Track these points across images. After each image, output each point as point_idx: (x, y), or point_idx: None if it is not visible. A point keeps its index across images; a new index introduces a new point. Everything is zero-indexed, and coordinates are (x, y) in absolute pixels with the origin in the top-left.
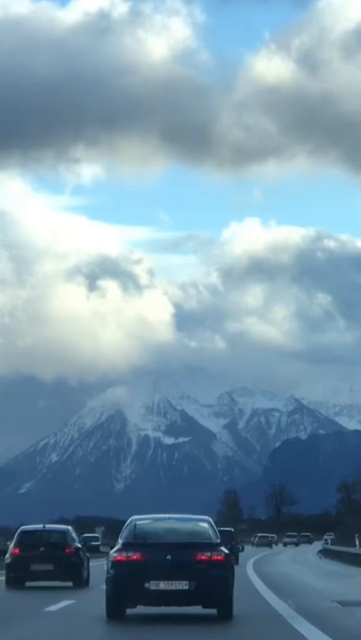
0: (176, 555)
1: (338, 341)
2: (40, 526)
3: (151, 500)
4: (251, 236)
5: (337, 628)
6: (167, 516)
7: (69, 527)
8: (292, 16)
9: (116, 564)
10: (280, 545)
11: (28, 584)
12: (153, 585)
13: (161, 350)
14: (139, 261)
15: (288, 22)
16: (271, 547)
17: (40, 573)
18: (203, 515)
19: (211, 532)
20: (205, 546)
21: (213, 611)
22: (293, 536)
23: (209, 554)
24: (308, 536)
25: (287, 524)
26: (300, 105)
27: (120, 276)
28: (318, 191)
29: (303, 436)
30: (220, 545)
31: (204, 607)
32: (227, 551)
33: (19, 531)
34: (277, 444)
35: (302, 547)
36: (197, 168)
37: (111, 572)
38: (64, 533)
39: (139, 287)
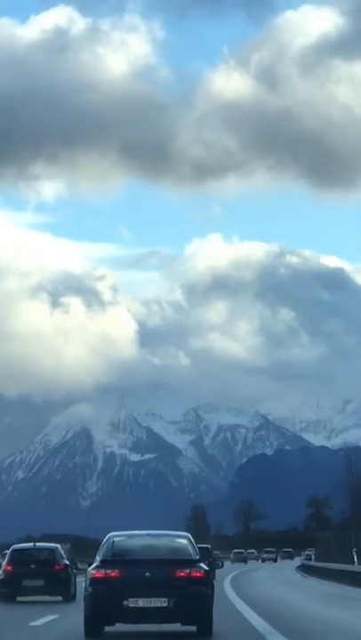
0: (155, 571)
1: (302, 357)
2: (31, 545)
3: (118, 517)
4: (213, 252)
5: None
6: (145, 532)
7: (58, 545)
8: (250, 32)
9: (94, 582)
10: (259, 561)
11: (19, 599)
12: (132, 602)
13: (125, 367)
14: (102, 278)
15: (247, 38)
16: (246, 562)
17: (31, 589)
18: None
19: (190, 548)
20: (184, 562)
21: (193, 628)
22: (272, 552)
23: (188, 570)
24: (290, 552)
25: (256, 539)
26: (260, 121)
27: (83, 293)
28: (279, 207)
29: (269, 452)
30: (199, 561)
31: (183, 624)
32: (206, 567)
33: (11, 549)
34: (243, 461)
35: (280, 562)
36: (157, 184)
37: (89, 589)
38: (53, 551)
39: (102, 304)
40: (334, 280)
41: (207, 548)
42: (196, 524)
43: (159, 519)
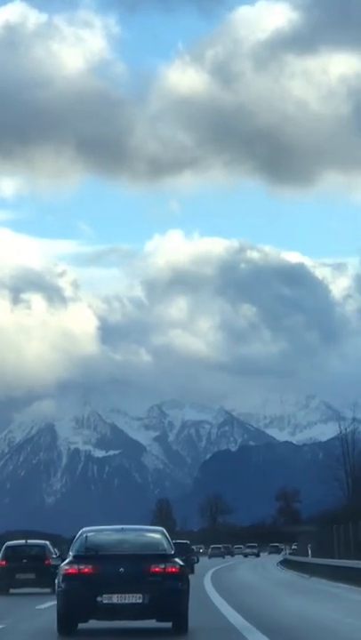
0: (129, 567)
1: (264, 353)
2: (22, 542)
3: (82, 514)
4: (174, 249)
5: None
6: (119, 527)
7: (47, 542)
8: (204, 27)
9: (66, 578)
10: (237, 557)
11: (12, 591)
12: (105, 598)
13: (86, 363)
14: (62, 274)
15: (201, 33)
16: (224, 557)
17: (23, 581)
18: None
19: (165, 542)
20: (159, 557)
21: (168, 624)
22: (254, 546)
23: (163, 565)
24: (277, 546)
25: (223, 534)
26: (215, 116)
27: (44, 290)
28: (237, 202)
29: (234, 447)
30: (174, 556)
31: (158, 620)
32: (181, 562)
33: (5, 546)
34: (208, 456)
35: (263, 557)
36: (114, 180)
37: (62, 585)
38: (43, 547)
39: (63, 300)
40: (295, 275)
41: (186, 543)
42: (162, 518)
43: (124, 515)
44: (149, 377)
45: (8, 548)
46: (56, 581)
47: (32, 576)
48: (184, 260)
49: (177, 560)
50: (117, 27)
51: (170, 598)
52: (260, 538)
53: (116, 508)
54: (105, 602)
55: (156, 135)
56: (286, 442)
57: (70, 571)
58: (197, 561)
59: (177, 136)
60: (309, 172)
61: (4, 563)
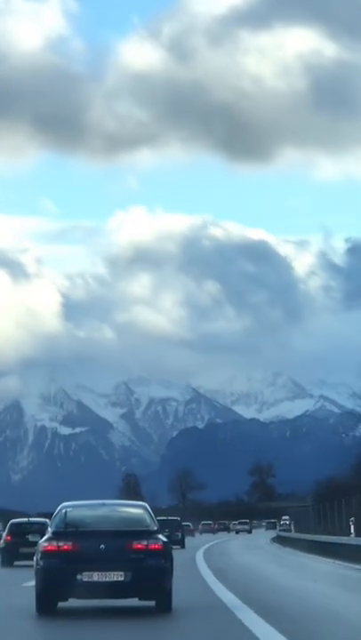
0: (110, 544)
1: (228, 330)
2: (25, 519)
3: (49, 491)
4: (136, 225)
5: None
6: (100, 502)
7: (47, 520)
8: (160, 3)
9: (45, 555)
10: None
11: (16, 563)
12: (86, 576)
13: (50, 340)
14: (25, 251)
15: (157, 9)
16: (215, 533)
17: (26, 555)
18: None
19: (147, 518)
20: (142, 534)
21: (151, 603)
22: (246, 523)
23: (145, 542)
24: (274, 522)
25: (193, 511)
26: (172, 92)
27: (7, 266)
28: (196, 179)
29: (200, 425)
30: (157, 532)
31: (141, 599)
32: (165, 539)
33: (10, 523)
34: (175, 434)
35: (255, 533)
36: (72, 157)
37: (40, 563)
38: (44, 524)
39: (27, 277)
40: (258, 252)
41: (177, 519)
42: (129, 494)
43: (91, 492)
44: (114, 354)
45: (13, 524)
46: (34, 559)
47: (33, 550)
48: (147, 236)
49: (160, 536)
50: (73, 2)
51: (152, 576)
52: (232, 514)
53: (82, 485)
54: (85, 580)
55: (113, 111)
56: (253, 419)
57: (49, 548)
58: (181, 537)
59: (134, 112)
60: (267, 148)
61: (9, 538)
